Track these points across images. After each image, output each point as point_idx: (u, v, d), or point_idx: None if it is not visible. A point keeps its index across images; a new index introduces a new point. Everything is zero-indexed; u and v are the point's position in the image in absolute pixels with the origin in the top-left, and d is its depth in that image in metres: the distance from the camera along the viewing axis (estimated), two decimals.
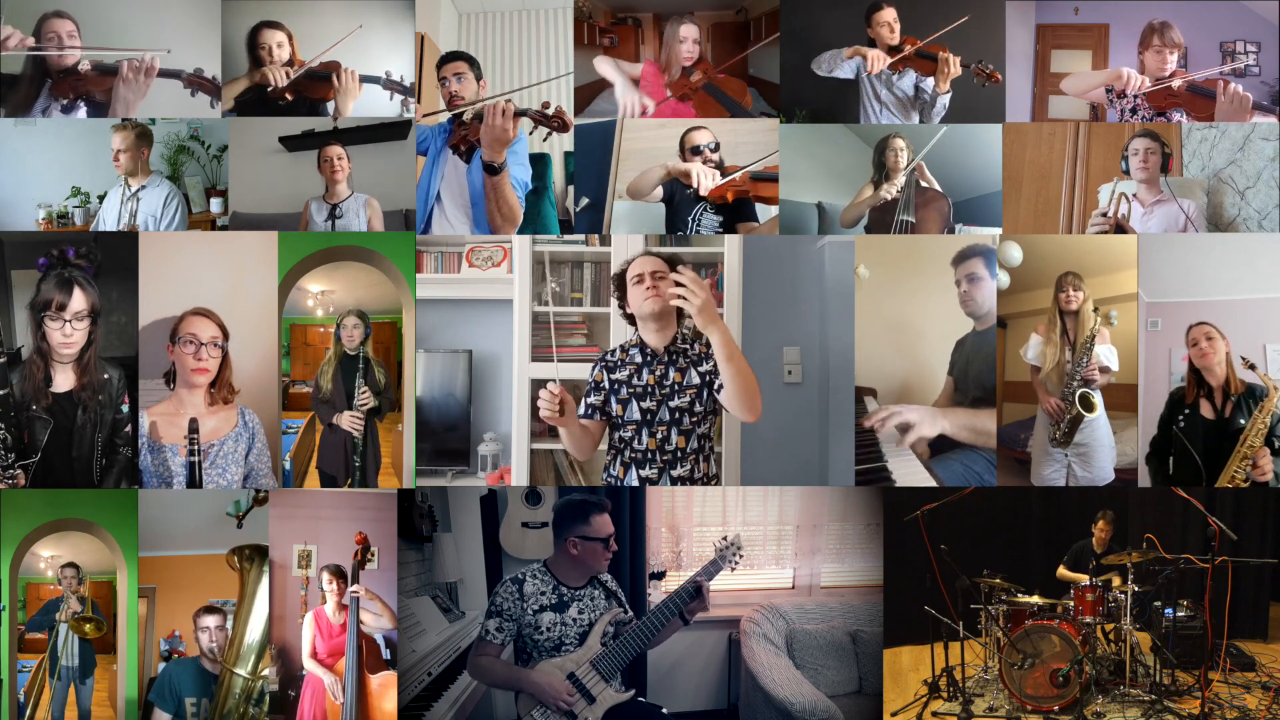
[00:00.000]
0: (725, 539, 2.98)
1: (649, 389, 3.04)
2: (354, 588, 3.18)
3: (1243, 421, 3.31)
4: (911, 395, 3.54)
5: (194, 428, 3.08)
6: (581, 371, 3.29)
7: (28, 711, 3.36)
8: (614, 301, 3.18)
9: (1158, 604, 3.61)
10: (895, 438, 3.38)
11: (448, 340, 4.02)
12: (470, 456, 3.98)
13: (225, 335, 3.15)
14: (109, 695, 3.41)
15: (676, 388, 3.03)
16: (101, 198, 3.48)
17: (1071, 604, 3.53)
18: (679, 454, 3.03)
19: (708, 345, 2.96)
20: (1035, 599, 3.57)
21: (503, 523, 3.79)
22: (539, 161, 3.62)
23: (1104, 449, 3.42)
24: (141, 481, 3.16)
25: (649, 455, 3.03)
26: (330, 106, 3.50)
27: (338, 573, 3.26)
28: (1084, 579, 3.60)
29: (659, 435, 3.02)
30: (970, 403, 3.45)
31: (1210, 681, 3.45)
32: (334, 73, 3.46)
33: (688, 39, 3.61)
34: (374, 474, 3.50)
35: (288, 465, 3.49)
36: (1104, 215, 3.47)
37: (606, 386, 3.06)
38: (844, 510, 4.01)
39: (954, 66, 3.48)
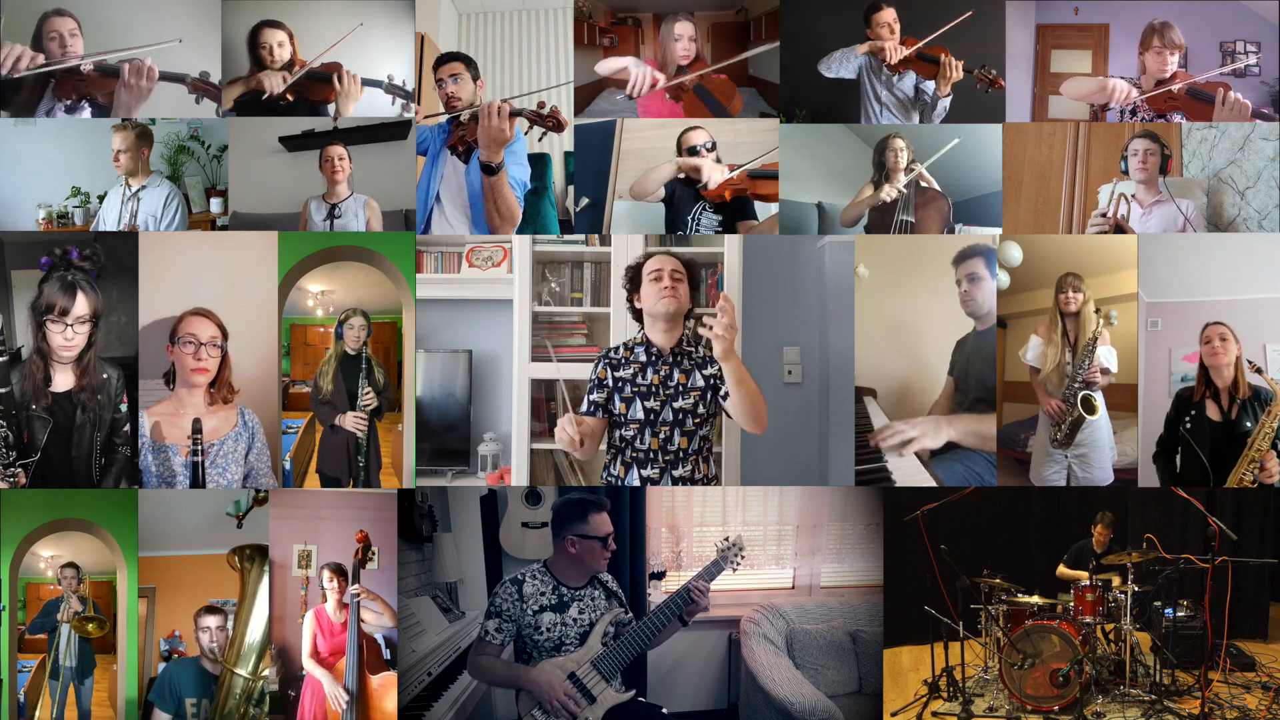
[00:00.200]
0: (727, 539, 2.98)
1: (653, 389, 3.03)
2: (355, 587, 3.18)
3: (1249, 424, 3.31)
4: (911, 395, 3.54)
5: (197, 428, 3.08)
6: (581, 371, 3.30)
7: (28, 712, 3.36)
8: (613, 294, 3.17)
9: (1158, 604, 3.61)
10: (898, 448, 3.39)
11: (448, 340, 4.02)
12: (470, 456, 3.98)
13: (225, 335, 3.15)
14: (109, 695, 3.41)
15: (681, 389, 3.03)
16: (101, 198, 3.48)
17: (1071, 604, 3.53)
18: (681, 454, 3.03)
19: (709, 346, 2.96)
20: (1035, 599, 3.57)
21: (503, 523, 3.79)
22: (539, 161, 3.62)
23: (1103, 450, 3.42)
24: (141, 481, 3.16)
25: (651, 455, 3.03)
26: (331, 107, 3.50)
27: (338, 571, 3.26)
28: (1084, 576, 3.61)
29: (662, 435, 3.02)
30: (970, 402, 3.45)
31: (1210, 681, 3.45)
32: (335, 74, 3.46)
33: (683, 37, 3.60)
34: (375, 474, 3.50)
35: (288, 465, 3.49)
36: (1103, 216, 3.47)
37: (610, 384, 3.06)
38: (844, 510, 4.01)
39: (956, 70, 3.48)
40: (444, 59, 3.45)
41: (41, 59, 3.31)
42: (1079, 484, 3.43)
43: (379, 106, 3.51)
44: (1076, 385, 3.40)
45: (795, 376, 3.99)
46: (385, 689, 3.19)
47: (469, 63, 3.44)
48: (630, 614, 2.96)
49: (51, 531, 3.33)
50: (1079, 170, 3.56)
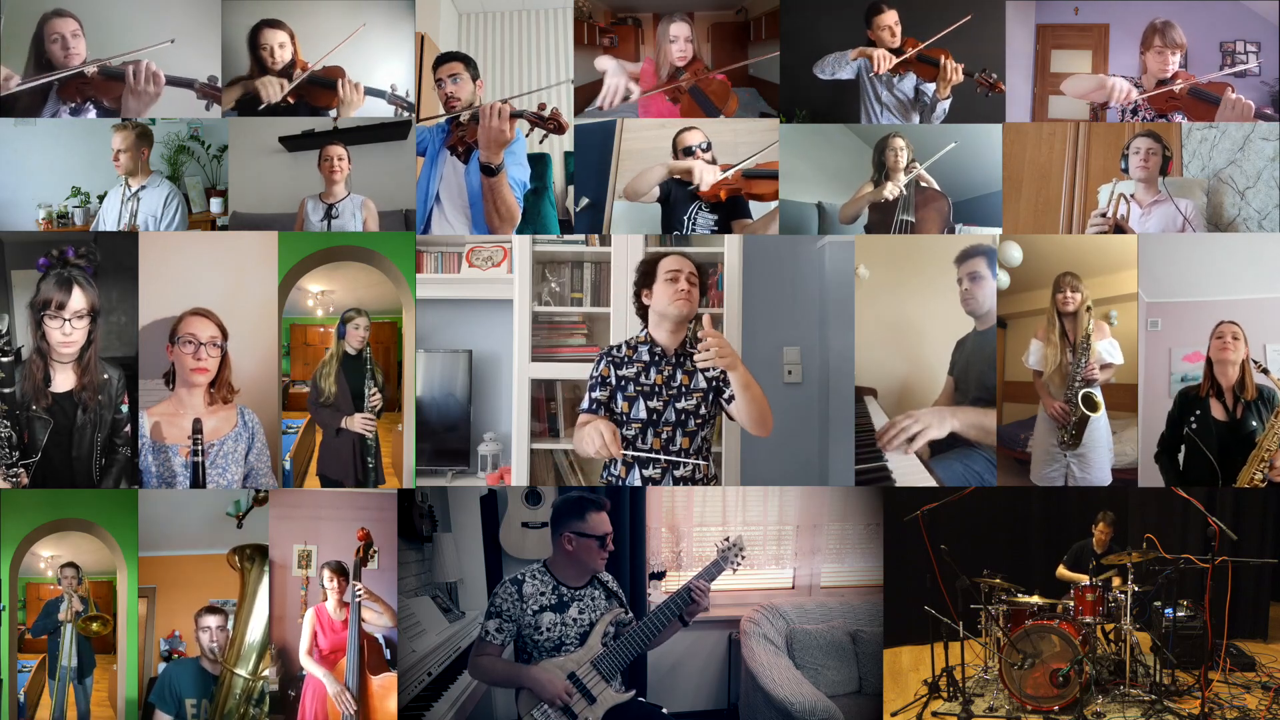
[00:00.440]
0: (728, 540, 2.98)
1: (656, 388, 3.03)
2: (357, 585, 3.18)
3: (1254, 424, 3.31)
4: (911, 395, 3.54)
5: (197, 428, 3.08)
6: (581, 371, 3.29)
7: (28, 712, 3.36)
8: (613, 294, 3.15)
9: (1158, 604, 3.61)
10: (905, 444, 3.39)
11: (448, 340, 4.02)
12: (470, 456, 3.98)
13: (224, 335, 3.15)
14: (109, 695, 3.41)
15: (684, 390, 3.03)
16: (101, 198, 3.48)
17: (1071, 604, 3.53)
18: (682, 454, 3.03)
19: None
20: (1035, 599, 3.57)
21: (503, 523, 3.79)
22: (539, 162, 3.62)
23: (1102, 450, 3.42)
24: (141, 481, 3.16)
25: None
26: (332, 110, 3.49)
27: (339, 570, 3.26)
28: (1084, 579, 3.61)
29: (664, 435, 3.02)
30: (970, 402, 3.46)
31: (1210, 681, 3.45)
32: (338, 80, 3.45)
33: (679, 38, 3.60)
34: (382, 474, 3.50)
35: (288, 465, 3.49)
36: (1103, 216, 3.47)
37: (613, 382, 3.05)
38: (844, 510, 4.01)
39: (956, 74, 3.48)
40: (443, 59, 3.45)
41: (17, 80, 3.30)
42: (1076, 484, 3.44)
43: (379, 106, 3.50)
44: (1077, 384, 3.40)
45: (795, 376, 3.99)
46: (386, 690, 3.19)
47: (468, 63, 3.44)
48: (630, 614, 2.96)
49: (51, 531, 3.33)
50: (1079, 170, 3.56)
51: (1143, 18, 3.49)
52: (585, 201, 3.65)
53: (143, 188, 3.46)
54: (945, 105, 3.53)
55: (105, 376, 3.10)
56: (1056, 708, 3.33)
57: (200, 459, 3.08)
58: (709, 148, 3.53)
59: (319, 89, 3.47)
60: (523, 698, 2.81)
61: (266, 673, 3.35)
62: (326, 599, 3.28)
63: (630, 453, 2.99)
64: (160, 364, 3.17)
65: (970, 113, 3.53)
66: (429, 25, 3.69)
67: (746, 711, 3.60)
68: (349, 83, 3.45)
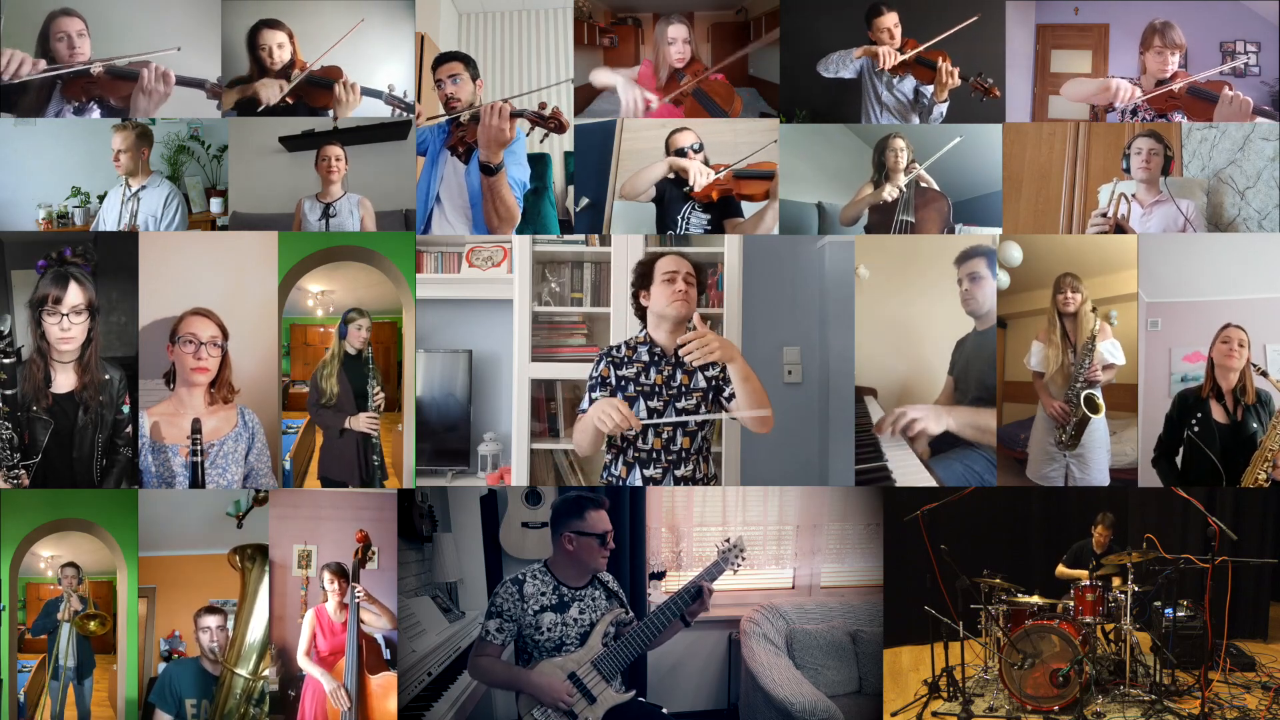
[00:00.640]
0: (728, 541, 2.97)
1: (656, 388, 3.03)
2: (355, 588, 3.18)
3: (1255, 426, 3.31)
4: (911, 395, 3.54)
5: (197, 428, 3.08)
6: (581, 371, 3.29)
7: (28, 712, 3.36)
8: (613, 294, 3.15)
9: (1158, 604, 3.61)
10: (901, 432, 3.39)
11: (448, 340, 4.02)
12: (470, 456, 3.98)
13: (225, 335, 3.15)
14: (109, 695, 3.41)
15: (684, 390, 3.03)
16: (101, 198, 3.48)
17: (1071, 604, 3.54)
18: (683, 454, 3.03)
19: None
20: (1035, 599, 3.57)
21: (503, 523, 3.79)
22: (539, 162, 3.62)
23: (1100, 450, 3.42)
24: (142, 481, 3.16)
25: (653, 455, 3.03)
26: (330, 111, 3.49)
27: (339, 571, 3.26)
28: (1083, 575, 3.61)
29: (664, 435, 3.02)
30: (970, 402, 3.46)
31: (1210, 681, 3.45)
32: (336, 81, 3.45)
33: (677, 39, 3.59)
34: (385, 474, 3.50)
35: (288, 465, 3.49)
36: (1103, 216, 3.47)
37: (613, 382, 3.05)
38: (844, 510, 4.01)
39: (953, 78, 3.48)
40: (443, 59, 3.45)
41: (44, 64, 3.30)
42: (1075, 484, 3.44)
43: (379, 105, 3.50)
44: (1079, 385, 3.40)
45: (795, 376, 3.99)
46: (385, 690, 3.19)
47: (468, 63, 3.44)
48: (631, 614, 2.96)
49: (52, 531, 3.33)
50: (1079, 170, 3.56)
51: (1143, 18, 3.49)
52: (585, 201, 3.65)
53: (143, 188, 3.46)
54: (942, 109, 3.53)
55: (106, 377, 3.10)
56: (1056, 708, 3.33)
57: (200, 459, 3.08)
58: (701, 148, 3.53)
59: (317, 89, 3.47)
60: (523, 698, 2.81)
61: (267, 673, 3.35)
62: (327, 600, 3.28)
63: (648, 420, 2.99)
64: (160, 364, 3.17)
65: (966, 117, 3.53)
66: (429, 25, 3.69)
67: (746, 712, 3.60)
68: (345, 83, 3.45)
